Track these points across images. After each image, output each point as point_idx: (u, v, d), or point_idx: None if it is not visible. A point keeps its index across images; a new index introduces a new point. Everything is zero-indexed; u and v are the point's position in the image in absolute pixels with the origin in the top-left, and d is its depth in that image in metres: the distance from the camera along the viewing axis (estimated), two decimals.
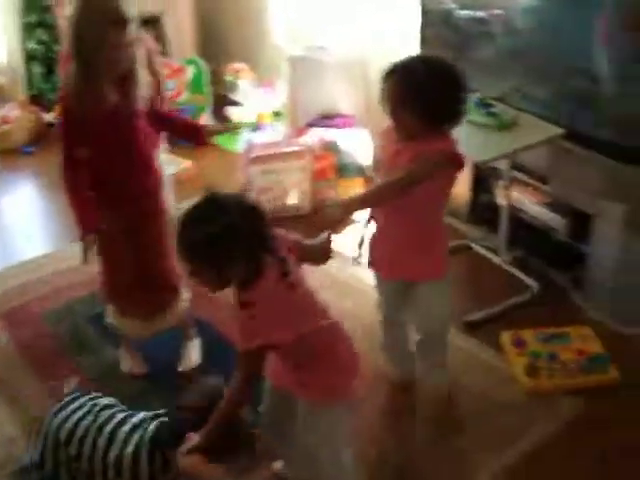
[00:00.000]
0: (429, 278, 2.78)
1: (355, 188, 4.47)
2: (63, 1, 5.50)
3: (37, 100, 6.01)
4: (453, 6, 3.94)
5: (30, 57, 6.16)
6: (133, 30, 2.69)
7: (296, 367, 2.30)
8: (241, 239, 2.04)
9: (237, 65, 5.71)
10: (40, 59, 6.14)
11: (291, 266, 2.18)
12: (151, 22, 5.40)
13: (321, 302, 2.29)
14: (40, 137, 5.78)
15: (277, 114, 5.37)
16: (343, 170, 4.49)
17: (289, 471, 2.63)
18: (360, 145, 4.61)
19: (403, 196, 2.53)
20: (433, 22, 4.09)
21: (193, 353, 3.33)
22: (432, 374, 3.02)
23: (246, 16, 5.95)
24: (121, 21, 2.64)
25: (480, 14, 3.80)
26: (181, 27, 5.85)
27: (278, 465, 2.71)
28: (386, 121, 2.63)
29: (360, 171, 4.58)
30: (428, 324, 2.90)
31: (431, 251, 2.76)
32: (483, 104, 3.45)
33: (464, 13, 3.90)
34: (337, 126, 4.71)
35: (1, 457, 2.86)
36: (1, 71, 6.26)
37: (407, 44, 4.50)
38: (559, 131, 3.34)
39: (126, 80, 2.79)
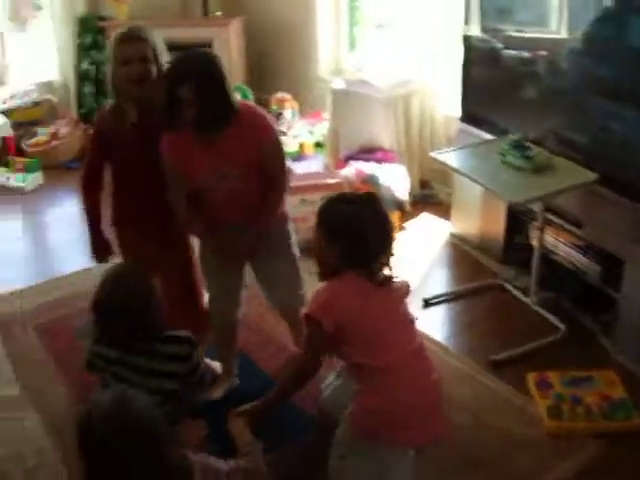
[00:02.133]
0: None
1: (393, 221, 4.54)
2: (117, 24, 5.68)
3: (87, 119, 6.16)
4: (499, 45, 4.00)
5: (82, 77, 6.37)
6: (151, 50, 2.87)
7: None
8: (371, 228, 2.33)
9: (282, 95, 5.81)
10: (91, 79, 6.35)
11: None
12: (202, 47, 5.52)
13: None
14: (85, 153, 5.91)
15: (319, 145, 5.44)
16: None
17: None
18: (398, 180, 4.67)
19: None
20: (476, 60, 4.16)
21: None
22: None
23: (294, 48, 6.06)
24: (128, 38, 2.85)
25: (525, 54, 3.84)
26: (230, 54, 5.96)
27: None
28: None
29: (398, 205, 4.65)
30: None
31: None
32: (518, 146, 3.50)
33: (508, 52, 3.95)
34: (377, 160, 4.75)
35: (31, 467, 2.96)
36: (55, 89, 6.46)
37: (449, 81, 4.59)
38: (592, 176, 3.36)
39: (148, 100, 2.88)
